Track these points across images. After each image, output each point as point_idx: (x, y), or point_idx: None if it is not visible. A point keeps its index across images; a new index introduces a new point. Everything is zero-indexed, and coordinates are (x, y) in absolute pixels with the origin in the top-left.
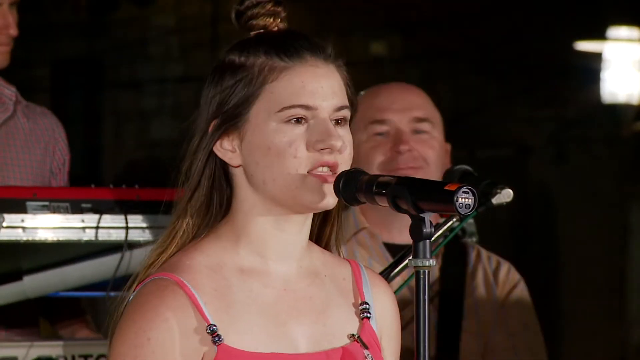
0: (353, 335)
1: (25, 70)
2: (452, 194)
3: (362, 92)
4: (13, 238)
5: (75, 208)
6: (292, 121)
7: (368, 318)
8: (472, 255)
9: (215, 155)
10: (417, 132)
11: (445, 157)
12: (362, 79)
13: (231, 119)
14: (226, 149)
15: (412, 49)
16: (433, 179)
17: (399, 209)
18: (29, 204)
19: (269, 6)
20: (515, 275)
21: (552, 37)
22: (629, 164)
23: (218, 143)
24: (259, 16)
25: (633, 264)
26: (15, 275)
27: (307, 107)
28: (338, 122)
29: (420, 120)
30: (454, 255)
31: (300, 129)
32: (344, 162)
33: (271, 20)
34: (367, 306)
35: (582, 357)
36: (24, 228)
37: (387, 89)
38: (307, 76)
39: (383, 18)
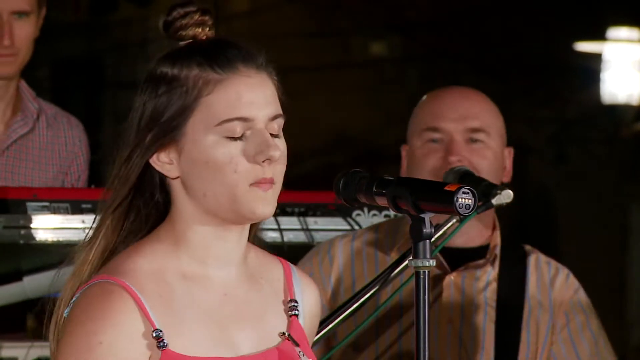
0: (284, 333)
1: (25, 70)
2: (452, 194)
3: (424, 97)
4: (13, 239)
5: (76, 209)
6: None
7: (296, 315)
8: (531, 262)
9: (149, 166)
10: (471, 140)
11: (505, 162)
12: (362, 79)
13: (167, 132)
14: (163, 162)
15: (412, 49)
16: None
17: (399, 210)
18: (29, 204)
19: (196, 16)
20: (574, 283)
21: (552, 38)
22: (629, 164)
23: (155, 156)
24: (188, 27)
25: (633, 264)
26: (15, 276)
27: (244, 119)
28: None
29: (475, 130)
30: (512, 262)
31: (238, 142)
32: (279, 176)
33: (200, 30)
34: (295, 304)
35: None
36: (24, 229)
37: (445, 95)
38: (241, 87)
39: (383, 18)
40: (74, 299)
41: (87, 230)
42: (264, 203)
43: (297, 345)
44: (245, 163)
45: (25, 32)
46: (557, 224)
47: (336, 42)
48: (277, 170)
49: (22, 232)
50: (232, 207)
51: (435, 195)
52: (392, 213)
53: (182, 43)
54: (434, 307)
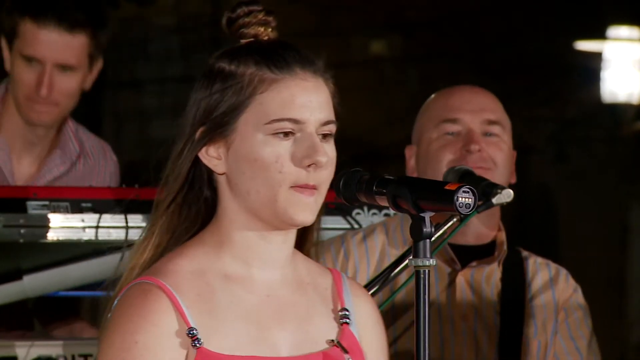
0: (333, 340)
1: None
2: (453, 193)
3: (432, 95)
4: (13, 237)
5: (75, 207)
6: (280, 135)
7: (347, 324)
8: (529, 262)
9: (199, 161)
10: (487, 134)
11: (512, 163)
12: (362, 79)
13: (218, 127)
14: (212, 156)
15: (412, 49)
16: (499, 182)
17: (400, 209)
18: (29, 203)
19: (260, 15)
20: (573, 282)
21: (552, 37)
22: (629, 163)
23: (204, 150)
24: (251, 25)
25: (633, 263)
26: (15, 275)
27: (295, 121)
28: (324, 136)
29: (492, 122)
30: (512, 264)
31: (287, 142)
32: (324, 183)
33: (262, 29)
34: (346, 312)
35: None
36: (24, 227)
37: (461, 90)
38: (296, 90)
39: (383, 18)
40: (116, 301)
41: (86, 230)
42: (304, 209)
43: (346, 352)
44: (290, 165)
45: (67, 86)
46: (557, 223)
47: (336, 42)
48: (323, 177)
49: (22, 230)
50: (272, 209)
51: (435, 194)
52: (392, 212)
53: (243, 41)
54: (448, 304)
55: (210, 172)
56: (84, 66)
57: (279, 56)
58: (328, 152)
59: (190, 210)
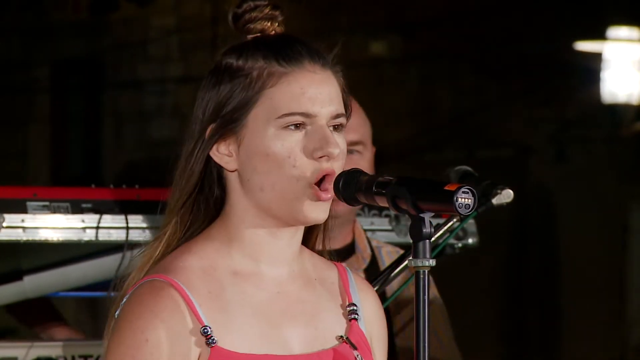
0: (342, 337)
1: (25, 70)
2: (452, 194)
3: None
4: (13, 238)
5: (76, 208)
6: (291, 127)
7: (356, 319)
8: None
9: (209, 159)
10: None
11: None
12: (362, 79)
13: (228, 124)
14: (223, 154)
15: (412, 49)
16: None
17: (399, 209)
18: (29, 204)
19: (266, 10)
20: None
21: (552, 37)
22: (629, 164)
23: (215, 147)
24: (257, 20)
25: (633, 264)
26: (15, 275)
27: (306, 115)
28: (335, 128)
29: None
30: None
31: (298, 135)
32: (339, 170)
33: (269, 24)
34: (354, 308)
35: (581, 357)
36: (24, 228)
37: None
38: (305, 82)
39: (383, 18)
40: (124, 300)
41: (86, 230)
42: (319, 209)
43: (355, 348)
44: (303, 158)
45: None
46: (557, 224)
47: (336, 42)
48: (337, 167)
49: (23, 231)
50: (287, 205)
51: (434, 195)
52: (392, 213)
53: (249, 37)
54: None
55: (219, 170)
56: None
57: (288, 49)
58: (340, 144)
59: (201, 210)
